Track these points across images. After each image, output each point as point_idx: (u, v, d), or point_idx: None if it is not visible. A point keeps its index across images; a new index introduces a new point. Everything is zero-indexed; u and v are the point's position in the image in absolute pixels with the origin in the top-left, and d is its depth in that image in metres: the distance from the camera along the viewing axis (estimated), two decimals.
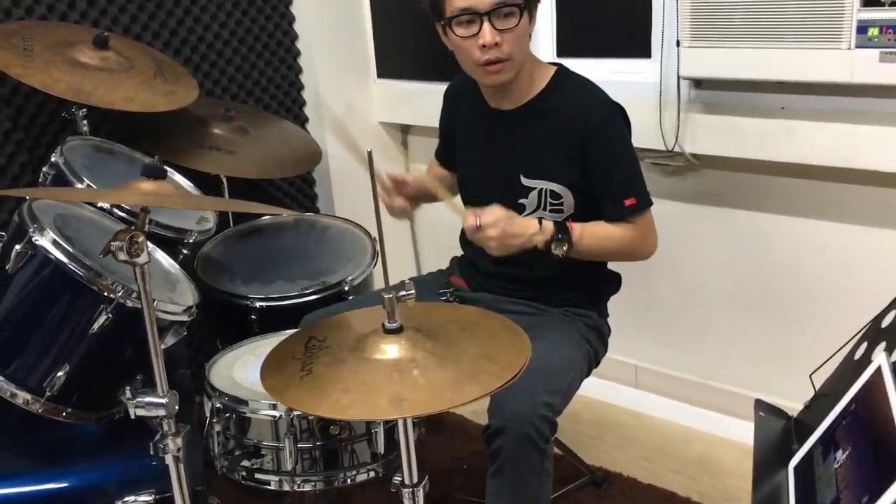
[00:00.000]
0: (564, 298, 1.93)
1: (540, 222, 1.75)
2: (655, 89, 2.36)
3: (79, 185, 1.96)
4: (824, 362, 1.46)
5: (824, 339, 1.52)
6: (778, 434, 1.42)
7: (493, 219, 1.70)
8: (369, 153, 1.40)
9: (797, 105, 2.18)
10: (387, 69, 3.10)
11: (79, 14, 2.41)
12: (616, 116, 1.80)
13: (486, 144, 1.92)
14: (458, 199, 1.82)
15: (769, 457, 1.36)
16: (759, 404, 1.51)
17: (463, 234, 2.07)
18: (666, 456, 2.49)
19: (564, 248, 1.75)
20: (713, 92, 2.32)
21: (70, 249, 1.63)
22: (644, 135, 2.35)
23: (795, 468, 1.28)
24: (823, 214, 2.28)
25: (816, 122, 2.14)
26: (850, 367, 1.36)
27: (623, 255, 1.88)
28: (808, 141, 2.16)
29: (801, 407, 1.49)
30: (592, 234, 1.79)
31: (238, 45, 2.79)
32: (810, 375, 1.45)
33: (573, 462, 2.31)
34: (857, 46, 1.93)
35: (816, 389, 1.45)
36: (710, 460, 2.45)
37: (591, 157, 1.78)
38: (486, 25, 1.70)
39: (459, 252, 2.10)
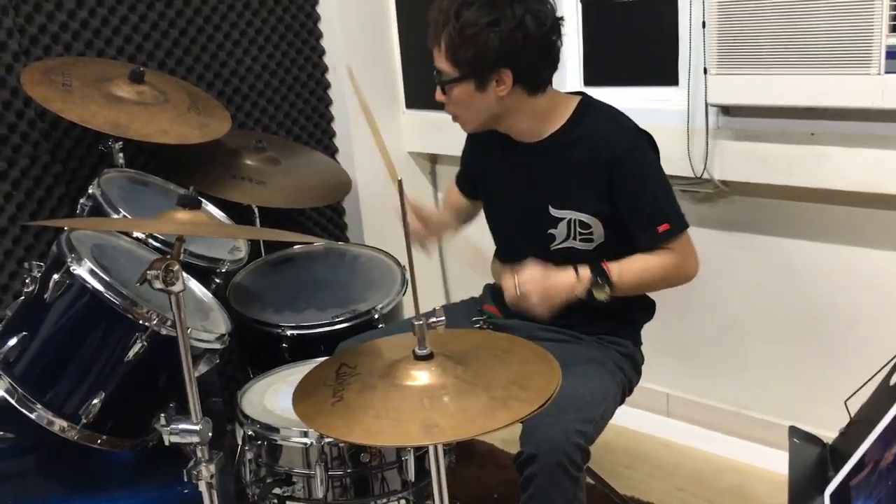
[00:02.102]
0: (598, 326, 1.92)
1: (576, 270, 1.75)
2: (683, 117, 2.36)
3: (115, 216, 2.00)
4: (859, 388, 1.44)
5: (858, 365, 1.50)
6: (813, 461, 1.40)
7: (531, 285, 1.72)
8: (399, 182, 1.42)
9: (827, 131, 2.17)
10: (415, 100, 3.14)
11: (115, 50, 2.47)
12: (642, 143, 1.80)
13: (513, 176, 1.92)
14: (497, 271, 1.85)
15: (805, 484, 1.34)
16: (794, 431, 1.49)
17: (493, 262, 2.07)
18: (700, 486, 2.45)
19: (607, 291, 1.74)
20: (741, 118, 2.32)
21: (106, 279, 1.66)
22: (672, 162, 2.35)
23: (832, 495, 1.26)
24: (855, 240, 2.26)
25: (846, 147, 2.13)
26: (886, 393, 1.35)
27: (666, 283, 1.86)
28: (838, 166, 2.15)
29: (836, 435, 1.47)
30: (631, 269, 1.77)
31: (269, 77, 2.84)
32: (845, 402, 1.43)
33: (606, 491, 2.28)
34: (887, 72, 1.93)
35: (852, 416, 1.43)
36: (744, 491, 2.41)
37: (619, 187, 1.77)
38: (438, 84, 1.77)
39: (490, 280, 2.10)
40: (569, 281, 1.74)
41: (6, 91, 2.27)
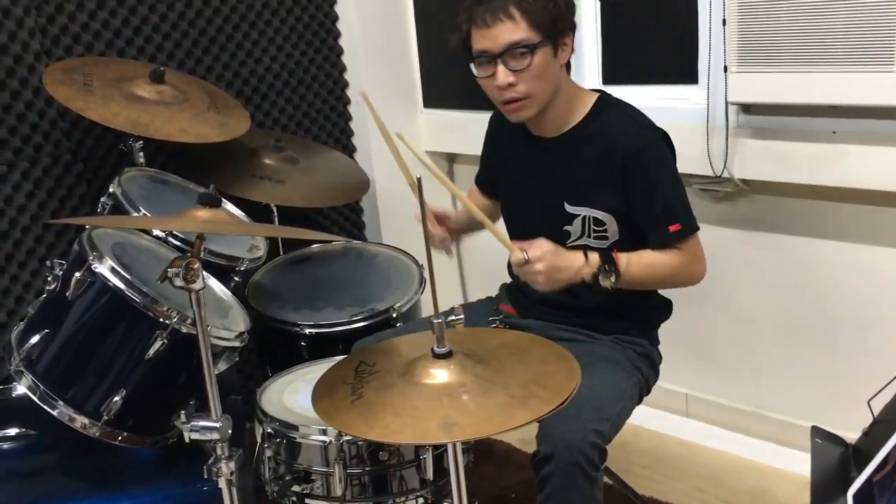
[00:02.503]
0: (615, 326, 1.91)
1: (586, 254, 1.74)
2: (703, 115, 2.35)
3: (136, 215, 2.01)
4: (882, 388, 1.43)
5: (881, 365, 1.49)
6: (836, 461, 1.39)
7: (541, 252, 1.69)
8: (418, 180, 1.43)
9: (848, 129, 2.16)
10: (433, 99, 3.14)
11: (136, 50, 2.49)
12: (657, 141, 1.79)
13: (530, 171, 1.93)
14: (504, 232, 1.82)
15: (827, 484, 1.33)
16: (816, 431, 1.48)
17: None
18: (719, 487, 2.44)
19: (612, 279, 1.73)
20: (762, 117, 2.30)
21: (128, 276, 1.67)
22: (692, 161, 2.34)
23: (855, 495, 1.25)
24: (876, 239, 2.24)
25: (868, 146, 2.11)
26: None
27: (672, 282, 1.86)
28: (859, 165, 2.13)
29: (858, 435, 1.46)
30: (640, 262, 1.77)
31: (288, 77, 2.85)
32: (868, 401, 1.42)
33: (624, 492, 2.27)
34: None
35: (875, 416, 1.42)
36: (764, 492, 2.39)
37: (632, 184, 1.77)
38: (500, 67, 1.72)
39: (507, 279, 2.10)
40: (577, 262, 1.73)
41: (28, 91, 2.29)
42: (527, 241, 1.72)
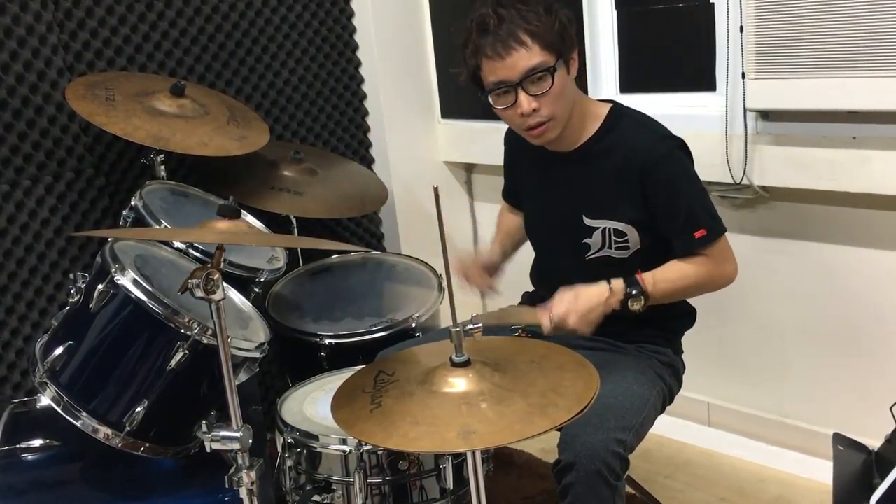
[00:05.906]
0: (638, 335, 1.90)
1: (609, 283, 1.73)
2: (721, 122, 2.34)
3: (157, 227, 2.03)
4: None
5: None
6: (858, 468, 1.37)
7: (564, 308, 1.70)
8: (435, 189, 1.43)
9: (870, 134, 2.14)
10: (451, 109, 3.15)
11: (157, 64, 2.52)
12: (674, 150, 1.78)
13: (547, 187, 1.93)
14: (526, 312, 1.83)
15: (850, 491, 1.32)
16: (838, 438, 1.47)
17: (533, 269, 2.07)
18: (741, 496, 2.42)
19: (641, 301, 1.73)
20: (781, 123, 2.29)
21: (149, 288, 1.69)
22: (711, 168, 2.33)
23: (878, 502, 1.24)
24: None
25: (890, 151, 2.10)
26: None
27: (703, 290, 1.84)
28: (881, 170, 2.11)
29: (880, 442, 1.45)
30: (665, 278, 1.76)
31: (307, 90, 2.87)
32: (891, 408, 1.41)
33: (647, 501, 2.26)
34: None
35: None
36: (787, 501, 2.37)
37: (653, 194, 1.77)
38: (521, 95, 1.70)
39: (527, 288, 2.10)
40: (602, 295, 1.72)
41: (51, 106, 2.32)
42: (549, 303, 1.72)
